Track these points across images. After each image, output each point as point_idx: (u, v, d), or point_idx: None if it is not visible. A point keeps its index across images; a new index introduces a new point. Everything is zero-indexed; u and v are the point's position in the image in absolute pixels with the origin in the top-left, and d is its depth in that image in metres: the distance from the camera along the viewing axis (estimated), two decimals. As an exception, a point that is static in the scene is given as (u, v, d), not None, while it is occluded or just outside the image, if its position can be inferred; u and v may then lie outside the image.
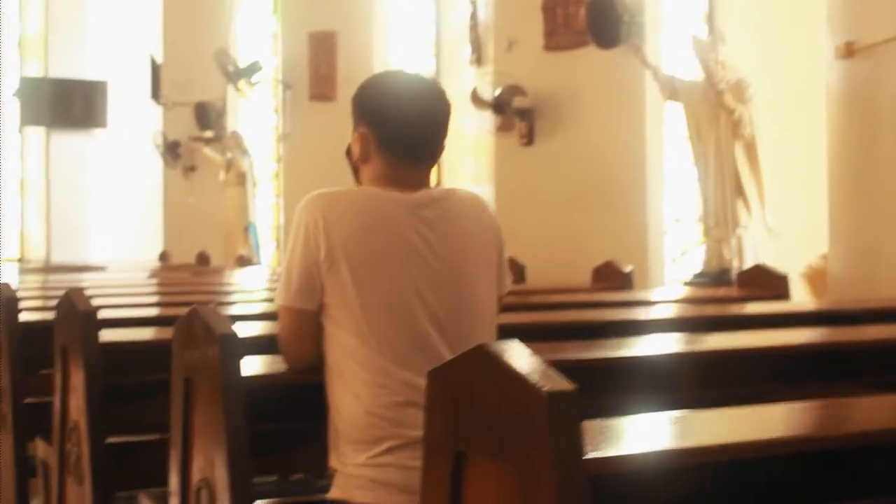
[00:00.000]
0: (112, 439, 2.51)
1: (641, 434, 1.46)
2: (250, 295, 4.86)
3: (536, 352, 2.38)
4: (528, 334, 2.24)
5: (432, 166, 2.05)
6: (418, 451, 1.89)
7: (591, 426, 1.35)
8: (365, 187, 2.03)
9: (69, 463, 2.57)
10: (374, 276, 1.91)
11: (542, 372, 1.25)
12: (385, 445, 1.88)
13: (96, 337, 2.48)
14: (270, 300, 4.45)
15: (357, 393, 1.90)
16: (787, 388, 2.49)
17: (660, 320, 3.45)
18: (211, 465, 1.94)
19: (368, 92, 2.02)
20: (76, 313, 2.51)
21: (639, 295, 4.81)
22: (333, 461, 1.95)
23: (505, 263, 2.10)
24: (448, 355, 1.90)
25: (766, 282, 4.64)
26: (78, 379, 2.52)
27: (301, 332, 1.97)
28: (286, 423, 2.09)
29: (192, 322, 2.00)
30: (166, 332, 2.88)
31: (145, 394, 2.75)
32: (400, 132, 1.98)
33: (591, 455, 1.25)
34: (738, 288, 4.82)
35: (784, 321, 3.23)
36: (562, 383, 1.23)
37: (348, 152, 2.06)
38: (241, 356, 1.92)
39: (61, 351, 2.64)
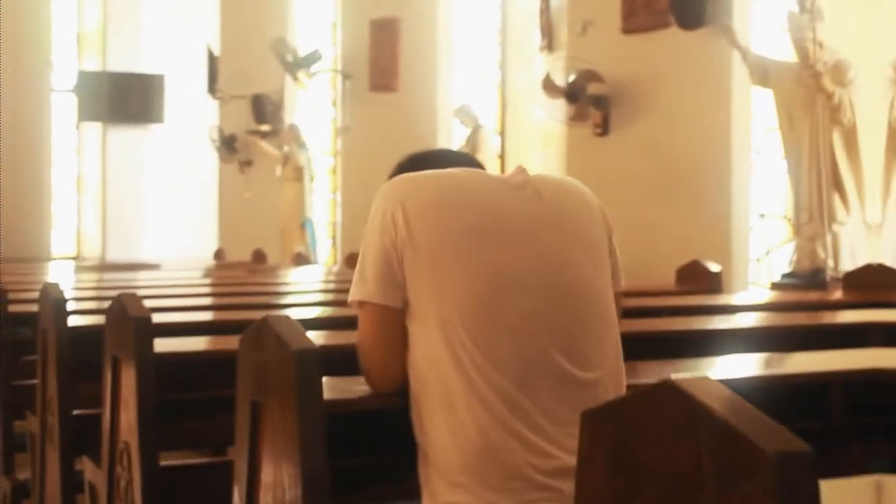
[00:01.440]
0: (166, 462, 2.20)
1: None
2: (310, 297, 4.55)
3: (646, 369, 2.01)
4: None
5: None
6: (530, 491, 1.55)
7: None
8: (450, 168, 1.73)
9: (119, 488, 2.28)
10: (465, 260, 1.57)
11: (761, 423, 0.89)
12: (487, 481, 1.52)
13: (150, 347, 2.17)
14: (332, 303, 4.14)
15: (449, 413, 1.54)
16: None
17: (774, 329, 3.05)
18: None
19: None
20: (128, 319, 2.20)
21: (734, 299, 4.41)
22: None
23: (617, 252, 1.73)
24: (562, 361, 1.55)
25: (877, 283, 4.21)
26: (129, 393, 2.22)
27: (385, 339, 1.61)
28: (371, 457, 1.74)
29: (261, 334, 1.66)
30: (226, 341, 2.60)
31: (204, 409, 2.47)
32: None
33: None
34: (843, 290, 4.40)
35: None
36: (792, 440, 0.87)
37: None
38: (321, 376, 1.58)
39: (112, 361, 2.34)
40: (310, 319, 3.15)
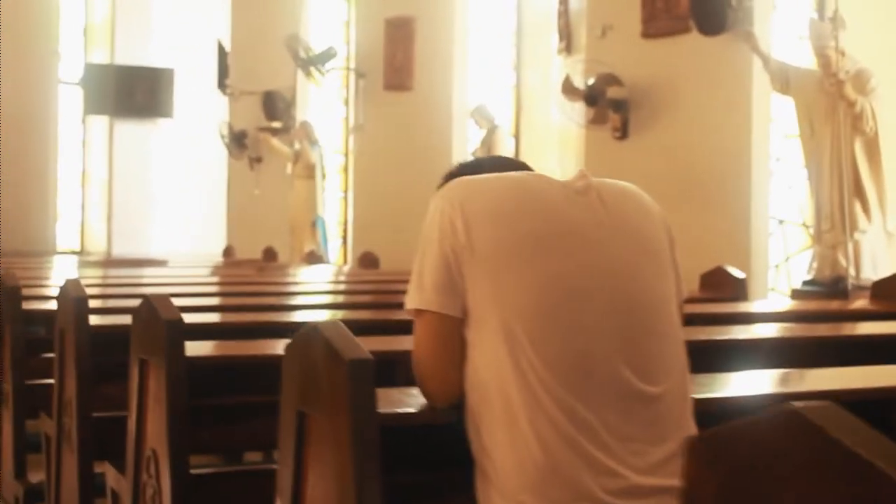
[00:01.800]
0: (197, 470, 2.13)
1: None
2: (330, 298, 4.47)
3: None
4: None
5: None
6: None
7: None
8: (510, 172, 1.66)
9: (145, 498, 2.20)
10: (528, 266, 1.50)
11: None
12: (551, 500, 1.44)
13: (182, 351, 2.10)
14: (353, 306, 4.06)
15: (510, 428, 1.46)
16: None
17: (814, 340, 2.96)
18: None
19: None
20: (158, 322, 2.12)
21: (760, 307, 4.32)
22: (485, 523, 1.52)
23: (678, 260, 1.66)
24: (628, 374, 1.48)
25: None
26: (158, 398, 2.15)
27: (443, 349, 1.53)
28: (424, 473, 1.66)
29: (309, 341, 1.59)
30: (255, 346, 2.52)
31: (222, 416, 2.39)
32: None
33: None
34: (871, 299, 4.31)
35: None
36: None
37: None
38: (375, 388, 1.50)
39: (139, 364, 2.26)
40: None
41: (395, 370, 2.00)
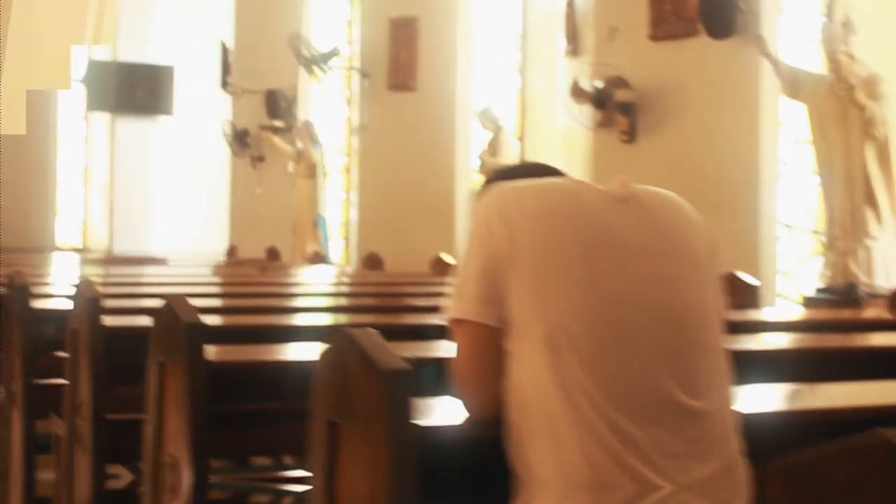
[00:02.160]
0: (216, 478, 2.10)
1: None
2: (342, 300, 4.43)
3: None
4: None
5: None
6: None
7: None
8: (550, 178, 1.64)
9: (162, 502, 2.16)
10: (573, 276, 1.47)
11: None
12: None
13: (202, 354, 2.06)
14: (365, 308, 4.03)
15: (554, 444, 1.43)
16: None
17: (843, 351, 2.93)
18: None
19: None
20: (179, 325, 2.09)
21: (775, 315, 4.29)
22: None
23: (719, 271, 1.63)
24: (674, 389, 1.44)
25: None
26: (178, 403, 2.11)
27: (486, 360, 1.50)
28: (463, 487, 1.63)
29: (343, 349, 1.55)
30: (274, 350, 2.49)
31: (250, 420, 2.36)
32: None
33: None
34: (890, 309, 4.27)
35: None
36: None
37: None
38: (412, 400, 1.47)
39: (158, 367, 2.22)
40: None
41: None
